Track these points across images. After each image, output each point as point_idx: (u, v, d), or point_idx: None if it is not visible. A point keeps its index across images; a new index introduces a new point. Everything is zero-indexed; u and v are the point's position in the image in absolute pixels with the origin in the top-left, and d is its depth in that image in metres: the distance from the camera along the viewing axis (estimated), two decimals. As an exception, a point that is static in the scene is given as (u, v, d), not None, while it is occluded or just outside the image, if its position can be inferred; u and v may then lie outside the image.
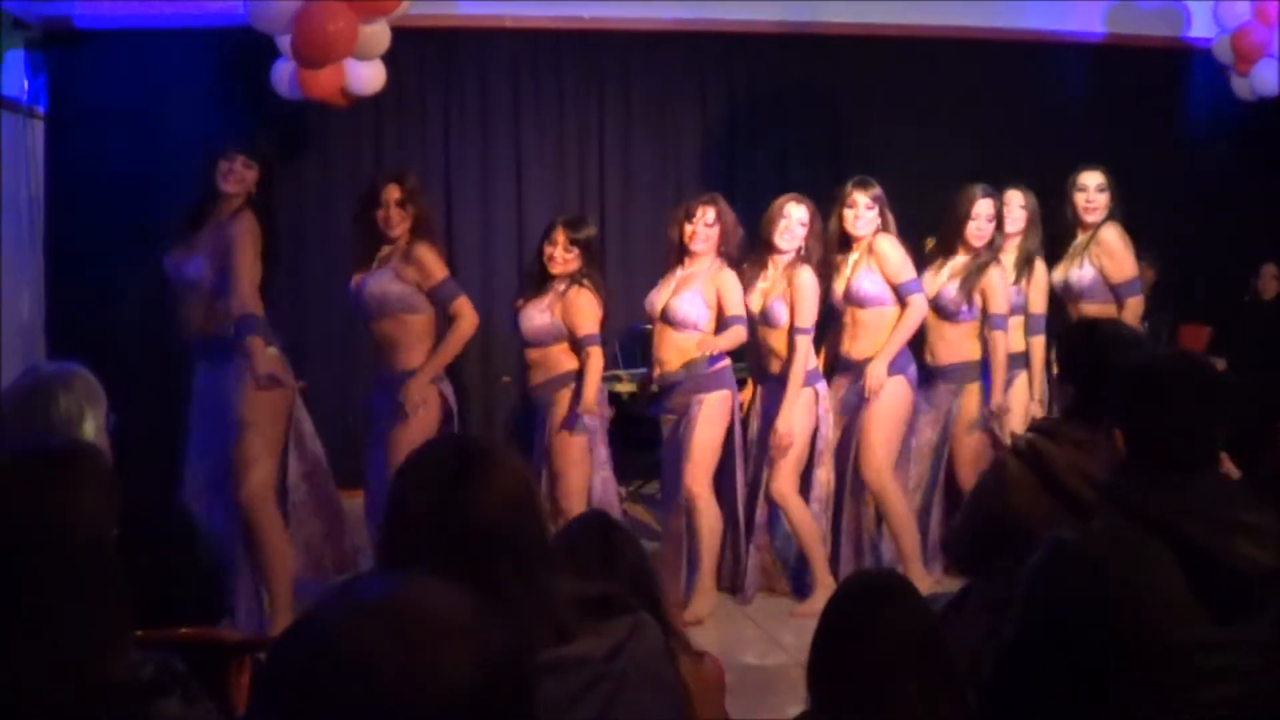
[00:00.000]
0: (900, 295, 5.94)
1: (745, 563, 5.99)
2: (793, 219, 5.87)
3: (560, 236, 5.75)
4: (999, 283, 6.11)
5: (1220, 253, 8.55)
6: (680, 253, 5.93)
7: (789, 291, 5.86)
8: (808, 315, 5.85)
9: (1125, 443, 2.51)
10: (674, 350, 5.87)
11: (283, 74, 7.02)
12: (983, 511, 3.30)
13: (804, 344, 5.85)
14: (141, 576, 2.10)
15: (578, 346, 5.72)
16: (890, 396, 5.93)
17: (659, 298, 5.95)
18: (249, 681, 2.54)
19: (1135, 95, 8.59)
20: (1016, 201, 6.27)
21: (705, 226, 5.84)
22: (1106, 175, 6.25)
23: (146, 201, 7.31)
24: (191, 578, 2.69)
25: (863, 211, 5.93)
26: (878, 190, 5.97)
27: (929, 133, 8.40)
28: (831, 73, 8.53)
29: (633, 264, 7.97)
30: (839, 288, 6.02)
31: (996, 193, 6.17)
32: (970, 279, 6.09)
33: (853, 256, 6.00)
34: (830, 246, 5.98)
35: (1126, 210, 6.27)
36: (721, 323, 5.83)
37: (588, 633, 1.97)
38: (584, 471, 5.73)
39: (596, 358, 5.69)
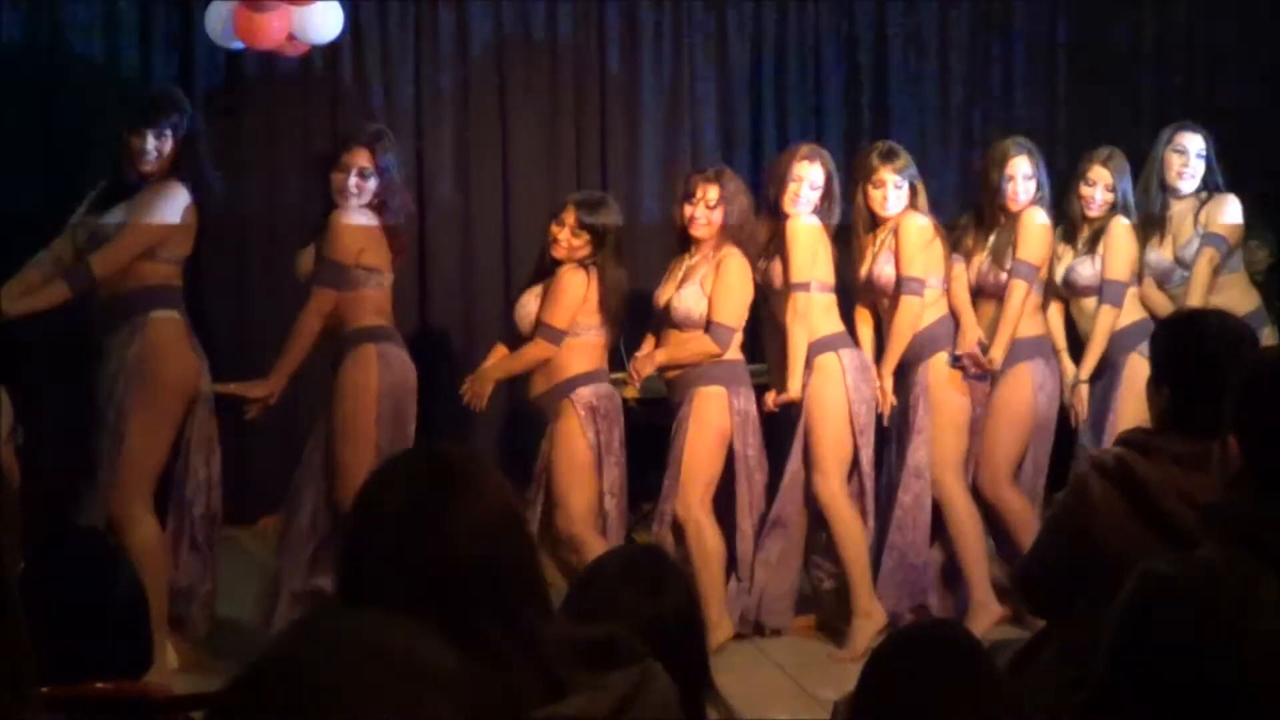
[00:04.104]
0: (897, 288, 5.99)
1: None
2: (804, 182, 5.94)
3: (570, 217, 5.82)
4: (1036, 233, 6.08)
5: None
6: (684, 237, 6.02)
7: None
8: (802, 269, 5.88)
9: (1242, 455, 2.50)
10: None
11: (217, 17, 7.01)
12: (1060, 542, 3.30)
13: (801, 301, 5.89)
14: (50, 619, 2.10)
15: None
16: (949, 395, 6.05)
17: (662, 293, 6.02)
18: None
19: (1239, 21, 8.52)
20: (1103, 181, 6.18)
21: (706, 209, 5.91)
22: (1208, 139, 6.26)
23: (46, 181, 7.22)
24: (111, 621, 2.69)
25: (891, 191, 6.01)
26: (906, 160, 6.05)
27: (1003, 78, 8.38)
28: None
29: (638, 242, 7.90)
30: (863, 273, 6.12)
31: (1035, 148, 6.18)
32: (1001, 244, 6.10)
33: (881, 237, 6.07)
34: (857, 227, 6.08)
35: (1231, 178, 6.27)
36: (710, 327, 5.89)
37: (586, 686, 1.98)
38: (588, 496, 5.79)
39: (537, 349, 5.75)
